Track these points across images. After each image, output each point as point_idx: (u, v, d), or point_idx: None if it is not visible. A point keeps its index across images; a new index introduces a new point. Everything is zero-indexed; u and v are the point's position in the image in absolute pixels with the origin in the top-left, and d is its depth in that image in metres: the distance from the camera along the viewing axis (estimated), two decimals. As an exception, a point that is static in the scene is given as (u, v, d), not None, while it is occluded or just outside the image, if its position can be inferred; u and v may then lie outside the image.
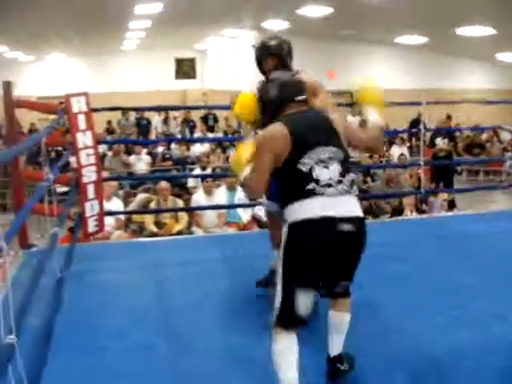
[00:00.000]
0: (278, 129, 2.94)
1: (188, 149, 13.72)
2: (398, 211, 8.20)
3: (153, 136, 18.10)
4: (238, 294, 4.39)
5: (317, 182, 2.81)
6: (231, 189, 8.39)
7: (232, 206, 8.11)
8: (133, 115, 18.50)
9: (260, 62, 4.16)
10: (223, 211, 8.19)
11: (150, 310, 4.12)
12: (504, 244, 5.60)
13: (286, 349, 2.82)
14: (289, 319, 2.83)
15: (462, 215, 7.43)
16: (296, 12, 14.88)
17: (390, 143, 15.54)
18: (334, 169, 2.85)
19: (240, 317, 3.95)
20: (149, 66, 25.66)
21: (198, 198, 8.36)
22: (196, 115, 19.05)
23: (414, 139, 15.26)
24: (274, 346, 2.84)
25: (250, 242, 5.94)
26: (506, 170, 15.43)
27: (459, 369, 3.29)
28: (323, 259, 2.80)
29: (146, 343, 3.61)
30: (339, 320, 3.07)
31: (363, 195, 8.56)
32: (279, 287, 2.86)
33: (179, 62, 27.65)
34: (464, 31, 15.86)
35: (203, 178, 8.92)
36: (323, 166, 2.84)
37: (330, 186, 2.81)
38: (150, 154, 12.91)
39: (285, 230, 2.87)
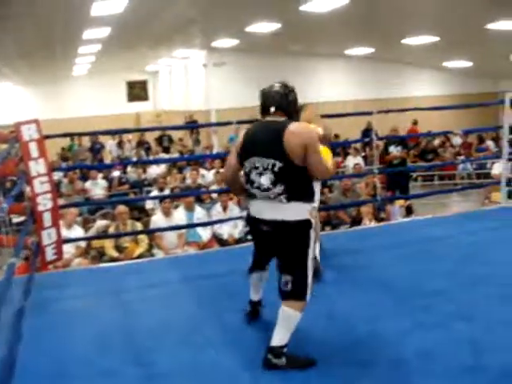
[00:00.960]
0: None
1: (144, 171, 13.65)
2: (357, 220, 8.26)
3: (108, 160, 17.96)
4: (202, 313, 4.37)
5: (252, 184, 3.45)
6: (189, 209, 8.37)
7: (191, 226, 8.09)
8: (87, 140, 18.35)
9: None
10: (183, 231, 8.16)
11: (113, 335, 4.07)
12: (462, 245, 5.71)
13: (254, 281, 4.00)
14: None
15: (419, 220, 7.52)
16: (245, 30, 14.97)
17: (345, 153, 15.72)
18: (266, 178, 3.38)
19: (205, 336, 3.93)
20: (101, 90, 25.48)
21: (157, 219, 8.32)
22: (150, 137, 18.99)
23: (367, 149, 15.46)
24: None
25: (211, 261, 5.94)
26: (459, 173, 15.73)
27: (427, 372, 3.33)
28: (257, 243, 3.79)
29: (111, 370, 3.57)
30: (285, 314, 3.43)
31: (321, 206, 8.62)
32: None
33: (131, 85, 27.52)
34: (410, 41, 16.19)
35: (161, 199, 8.86)
36: (257, 173, 3.42)
37: (260, 190, 3.42)
38: (105, 178, 12.79)
39: None
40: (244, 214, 8.02)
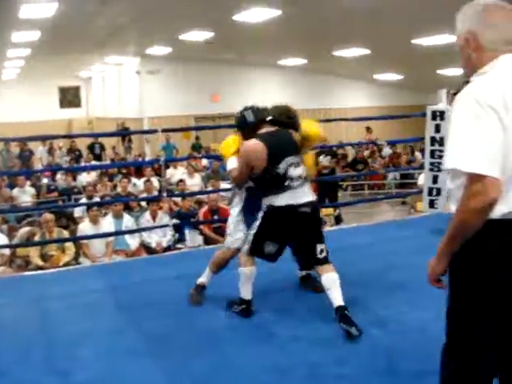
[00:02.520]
0: (258, 145, 4.06)
1: (74, 179, 13.43)
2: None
3: (38, 167, 17.57)
4: (125, 322, 4.33)
5: (291, 179, 4.04)
6: (118, 216, 8.30)
7: (119, 233, 8.02)
8: (16, 146, 17.93)
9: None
10: (111, 239, 8.08)
11: (32, 345, 3.99)
12: (384, 254, 5.84)
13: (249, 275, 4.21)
14: (258, 254, 4.20)
15: (346, 228, 7.66)
16: (178, 37, 14.97)
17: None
18: (301, 169, 4.10)
19: (126, 345, 3.91)
20: (31, 95, 24.92)
21: (84, 227, 8.21)
22: (82, 144, 18.72)
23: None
24: (242, 268, 4.21)
25: (138, 269, 5.91)
26: (388, 183, 16.09)
27: (341, 376, 3.39)
28: (288, 229, 4.09)
29: (29, 380, 3.50)
30: (331, 279, 4.00)
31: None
32: (251, 237, 4.18)
33: (63, 91, 27.09)
34: (341, 53, 16.51)
35: (89, 207, 8.75)
36: (294, 168, 4.07)
37: (297, 180, 4.06)
38: (34, 185, 12.52)
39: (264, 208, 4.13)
40: (172, 221, 8.09)
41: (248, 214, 4.44)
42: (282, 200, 4.05)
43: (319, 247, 4.08)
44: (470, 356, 2.20)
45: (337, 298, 3.95)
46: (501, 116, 1.97)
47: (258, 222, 4.18)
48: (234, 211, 4.59)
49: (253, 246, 4.19)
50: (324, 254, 4.10)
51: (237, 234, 4.49)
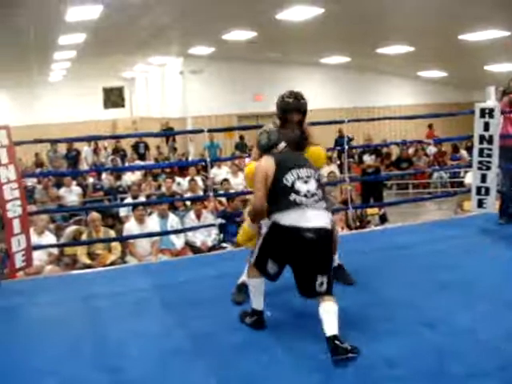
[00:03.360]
0: (267, 160, 3.99)
1: (119, 178, 13.58)
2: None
3: (83, 167, 17.80)
4: (172, 321, 4.36)
5: (297, 193, 3.80)
6: (163, 216, 8.36)
7: (164, 233, 8.08)
8: (62, 146, 18.19)
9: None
10: (156, 239, 8.15)
11: (82, 342, 4.04)
12: (429, 253, 5.76)
13: (259, 286, 4.05)
14: (260, 269, 3.99)
15: (391, 228, 7.58)
16: (221, 37, 15.01)
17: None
18: (312, 185, 3.84)
19: (174, 343, 3.93)
20: (77, 96, 25.31)
21: (130, 226, 8.29)
22: (126, 144, 18.92)
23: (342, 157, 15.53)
24: (251, 280, 4.07)
25: (184, 268, 5.93)
26: (433, 181, 15.88)
27: (394, 378, 3.37)
28: (288, 252, 3.83)
29: (81, 377, 3.55)
30: (328, 309, 3.68)
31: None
32: (257, 249, 4.01)
33: (107, 92, 27.44)
34: (385, 50, 16.35)
35: (134, 206, 8.83)
36: (303, 181, 3.84)
37: (306, 196, 3.80)
38: (80, 185, 12.70)
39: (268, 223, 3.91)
40: (217, 221, 8.11)
41: None
42: (287, 219, 3.78)
43: (320, 279, 3.73)
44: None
45: (329, 327, 3.61)
46: None
47: (261, 238, 4.01)
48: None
49: (257, 260, 4.01)
50: (324, 288, 3.74)
51: None
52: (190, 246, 8.61)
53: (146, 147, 18.89)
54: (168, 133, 17.62)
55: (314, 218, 3.78)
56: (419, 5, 10.53)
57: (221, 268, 5.67)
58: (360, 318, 4.20)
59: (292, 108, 4.44)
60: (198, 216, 8.77)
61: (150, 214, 8.90)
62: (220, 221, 8.41)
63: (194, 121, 18.99)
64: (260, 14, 12.16)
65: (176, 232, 8.16)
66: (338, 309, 3.68)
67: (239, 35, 14.80)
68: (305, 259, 3.77)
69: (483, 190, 6.78)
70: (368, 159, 10.86)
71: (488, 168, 6.67)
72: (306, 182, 3.85)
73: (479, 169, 6.72)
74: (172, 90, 21.59)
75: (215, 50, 17.67)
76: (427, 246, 6.00)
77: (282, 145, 4.14)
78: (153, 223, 8.36)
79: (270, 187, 3.91)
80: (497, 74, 16.87)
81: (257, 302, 4.08)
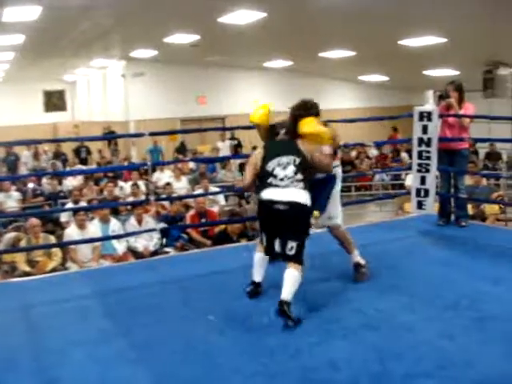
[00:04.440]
0: (259, 152, 4.79)
1: (60, 183, 13.33)
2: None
3: (23, 172, 17.40)
4: (113, 328, 4.30)
5: (275, 177, 4.50)
6: (104, 221, 8.25)
7: (106, 238, 7.97)
8: (1, 151, 17.76)
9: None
10: (97, 244, 8.03)
11: (19, 351, 3.94)
12: (372, 255, 5.83)
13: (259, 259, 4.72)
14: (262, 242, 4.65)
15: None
16: (163, 40, 14.91)
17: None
18: (290, 170, 4.48)
19: (115, 351, 3.87)
20: (16, 99, 24.72)
21: (71, 232, 8.15)
22: (68, 148, 18.60)
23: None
24: (255, 253, 4.73)
25: (125, 274, 5.86)
26: (375, 184, 16.11)
27: (334, 381, 3.39)
28: (268, 221, 4.54)
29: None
30: (289, 274, 4.29)
31: (236, 219, 8.65)
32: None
33: (48, 95, 26.91)
34: (327, 54, 16.52)
35: (75, 211, 8.68)
36: (283, 168, 4.51)
37: (282, 180, 4.46)
38: (19, 190, 12.42)
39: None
40: (159, 225, 8.05)
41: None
42: (264, 194, 4.51)
43: (290, 244, 4.37)
44: None
45: (284, 292, 4.18)
46: None
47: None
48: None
49: (260, 236, 4.72)
50: (293, 252, 4.36)
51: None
52: (131, 251, 8.53)
53: (88, 151, 18.63)
54: (110, 136, 17.44)
55: (288, 194, 4.42)
56: (360, 10, 10.65)
57: (163, 273, 5.64)
58: (304, 320, 4.22)
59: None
60: (139, 221, 8.69)
61: (92, 219, 8.76)
62: (162, 225, 8.35)
63: (136, 125, 18.81)
64: (202, 18, 12.11)
65: (117, 237, 8.05)
66: (299, 277, 4.29)
67: (182, 38, 14.71)
68: (278, 226, 4.44)
69: (422, 192, 6.92)
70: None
71: (427, 170, 6.81)
72: (284, 167, 4.51)
73: (418, 171, 6.86)
74: (114, 93, 21.35)
75: (158, 53, 17.54)
76: (369, 247, 6.05)
77: (281, 132, 4.89)
78: (94, 228, 8.24)
79: (259, 172, 4.64)
80: (435, 78, 17.27)
81: (256, 274, 4.75)
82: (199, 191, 10.86)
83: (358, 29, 12.61)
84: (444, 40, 13.21)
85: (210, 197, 10.81)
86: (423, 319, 4.19)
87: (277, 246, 4.47)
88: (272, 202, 4.45)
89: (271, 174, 4.53)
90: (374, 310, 4.37)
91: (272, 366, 3.57)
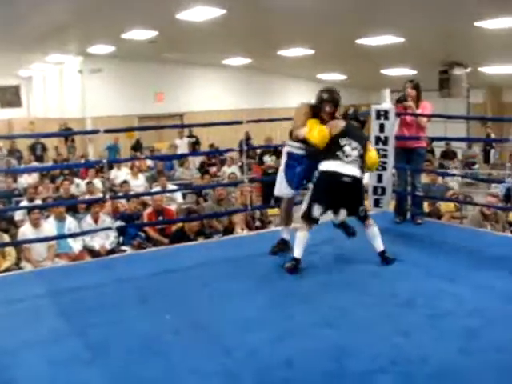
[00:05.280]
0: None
1: (15, 181, 13.08)
2: (229, 230, 8.31)
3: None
4: (68, 328, 4.22)
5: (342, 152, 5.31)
6: (60, 219, 8.12)
7: (61, 237, 7.84)
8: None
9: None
10: (53, 243, 7.91)
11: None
12: (330, 252, 5.87)
13: (303, 238, 5.23)
14: (307, 218, 5.33)
15: (292, 228, 7.64)
16: (121, 36, 14.74)
17: (222, 163, 15.78)
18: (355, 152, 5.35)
19: (70, 352, 3.80)
20: (-31, 95, 24.20)
21: (25, 230, 8.00)
22: (23, 145, 18.29)
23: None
24: (298, 232, 5.26)
25: (81, 273, 5.77)
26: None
27: (289, 379, 3.39)
28: (333, 193, 5.32)
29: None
30: (371, 232, 5.44)
31: (193, 216, 8.58)
32: (305, 202, 5.47)
33: (2, 90, 26.33)
34: (285, 52, 16.56)
35: (30, 210, 8.52)
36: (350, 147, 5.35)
37: (348, 156, 5.30)
38: (-28, 188, 12.15)
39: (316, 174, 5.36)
40: (115, 224, 7.95)
41: None
42: (330, 166, 5.34)
43: (361, 208, 5.45)
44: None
45: (377, 245, 5.43)
46: None
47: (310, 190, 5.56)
48: None
49: (304, 212, 5.43)
50: (364, 213, 5.48)
51: None
52: (88, 250, 8.42)
53: (44, 148, 18.34)
54: (65, 133, 17.19)
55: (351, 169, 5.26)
56: (318, 9, 10.70)
57: (120, 272, 5.58)
58: (259, 317, 4.22)
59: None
60: (96, 219, 8.58)
61: (47, 217, 8.62)
62: (118, 223, 8.26)
63: (93, 121, 18.56)
64: (161, 14, 12.01)
65: (73, 236, 7.94)
66: (377, 228, 5.42)
67: (140, 34, 14.56)
68: (337, 201, 5.39)
69: (379, 190, 6.98)
70: (268, 160, 10.96)
71: (384, 168, 6.86)
72: (353, 149, 5.35)
73: (376, 169, 6.90)
74: (71, 89, 21.03)
75: (116, 49, 17.34)
76: (328, 244, 6.10)
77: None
78: (49, 227, 8.11)
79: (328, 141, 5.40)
80: (392, 77, 17.47)
81: (298, 252, 5.21)
82: (157, 189, 10.79)
83: (316, 28, 12.67)
84: (401, 40, 13.38)
85: (168, 195, 10.74)
86: (379, 316, 4.22)
87: (342, 215, 5.44)
88: (340, 175, 5.23)
89: (341, 149, 5.31)
90: (329, 308, 4.39)
91: (229, 365, 3.56)
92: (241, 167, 15.12)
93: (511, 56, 14.19)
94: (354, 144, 5.36)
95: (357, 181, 5.31)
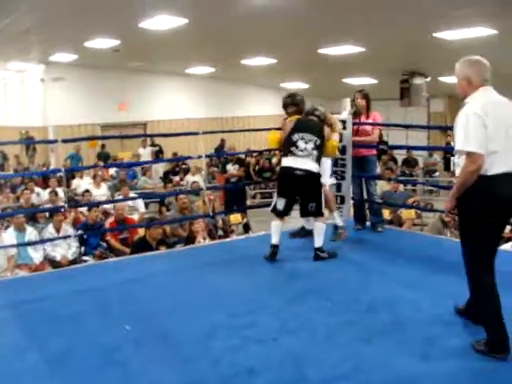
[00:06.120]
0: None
1: (-26, 190, 12.89)
2: (190, 239, 8.28)
3: None
4: (27, 340, 4.16)
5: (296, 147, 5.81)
6: (20, 229, 8.01)
7: (21, 245, 7.75)
8: None
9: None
10: (12, 253, 7.80)
11: None
12: (290, 260, 5.91)
13: (276, 227, 5.93)
14: (274, 211, 5.99)
15: (254, 237, 7.68)
16: (83, 45, 14.64)
17: (186, 171, 15.74)
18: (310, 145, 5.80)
19: (29, 365, 3.76)
20: None
21: (-16, 241, 7.88)
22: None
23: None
24: (272, 222, 5.96)
25: (42, 284, 5.71)
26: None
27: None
28: (289, 186, 5.88)
29: None
30: (316, 227, 5.87)
31: (155, 222, 8.52)
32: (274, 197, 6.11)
33: (-38, 98, 25.90)
34: (249, 62, 16.63)
35: (-11, 219, 8.42)
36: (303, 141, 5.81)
37: (302, 151, 5.77)
38: None
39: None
40: (76, 233, 7.89)
41: None
42: (289, 162, 5.86)
43: (310, 204, 5.83)
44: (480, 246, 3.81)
45: (316, 241, 5.82)
46: (484, 120, 3.59)
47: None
48: None
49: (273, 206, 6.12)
50: (314, 209, 5.81)
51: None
52: (49, 260, 8.32)
53: (4, 157, 18.10)
54: (24, 142, 16.99)
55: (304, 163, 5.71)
56: (280, 19, 10.78)
57: (82, 282, 5.53)
58: (221, 325, 4.23)
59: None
60: (58, 229, 8.49)
61: (7, 227, 8.50)
62: (80, 233, 8.20)
63: (55, 130, 18.36)
64: (124, 22, 11.97)
65: (33, 244, 7.85)
66: (324, 226, 5.86)
67: (102, 43, 14.48)
68: (294, 194, 5.89)
69: (339, 199, 7.05)
70: (231, 168, 10.98)
71: (342, 178, 6.94)
72: (306, 142, 5.80)
73: (335, 178, 6.97)
74: (33, 98, 20.77)
75: (78, 57, 17.20)
76: (286, 252, 6.13)
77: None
78: (9, 237, 7.99)
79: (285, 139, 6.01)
80: (354, 86, 17.63)
81: (274, 238, 5.88)
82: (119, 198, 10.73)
83: (279, 37, 12.78)
84: (362, 49, 13.55)
85: (130, 204, 10.69)
86: (340, 323, 4.26)
87: (300, 206, 5.91)
88: (292, 169, 5.69)
89: (294, 144, 5.77)
90: (291, 315, 4.41)
91: (190, 375, 3.55)
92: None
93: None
94: (308, 137, 5.81)
95: (311, 174, 5.71)
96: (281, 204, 5.91)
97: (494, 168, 3.63)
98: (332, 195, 6.68)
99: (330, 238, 6.44)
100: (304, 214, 5.96)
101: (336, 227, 6.66)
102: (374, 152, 7.28)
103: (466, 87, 3.84)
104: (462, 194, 3.77)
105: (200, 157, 7.66)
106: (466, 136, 3.63)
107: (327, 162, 6.48)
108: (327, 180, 6.48)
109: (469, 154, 3.60)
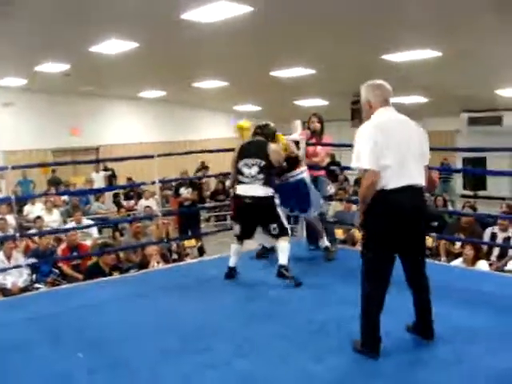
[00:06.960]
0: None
1: None
2: (144, 263, 8.22)
3: None
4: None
5: (242, 174, 5.84)
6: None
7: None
8: None
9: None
10: (-39, 283, 7.62)
11: None
12: (246, 282, 5.92)
13: (234, 250, 6.05)
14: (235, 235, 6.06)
15: (209, 260, 7.66)
16: (33, 69, 14.48)
17: (139, 196, 15.64)
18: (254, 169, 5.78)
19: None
20: None
21: None
22: None
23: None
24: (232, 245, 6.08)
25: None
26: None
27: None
28: (243, 214, 5.96)
29: None
30: (279, 245, 5.82)
31: (107, 250, 8.46)
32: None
33: None
34: (200, 84, 16.68)
35: None
36: (247, 167, 5.81)
37: (247, 177, 5.79)
38: None
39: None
40: (28, 261, 7.75)
41: None
42: (240, 189, 5.87)
43: (271, 227, 5.82)
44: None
45: (280, 259, 5.75)
46: (376, 136, 3.79)
47: None
48: None
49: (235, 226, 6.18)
50: (277, 231, 5.80)
51: None
52: (-1, 288, 8.16)
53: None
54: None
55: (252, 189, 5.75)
56: (230, 42, 10.85)
57: (33, 310, 5.44)
58: (176, 350, 4.21)
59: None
60: (9, 257, 8.34)
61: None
62: (31, 261, 8.06)
63: (5, 156, 18.05)
64: (74, 47, 11.88)
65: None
66: (288, 246, 5.78)
67: (52, 67, 14.33)
68: (250, 222, 5.98)
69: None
70: (184, 192, 10.96)
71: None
72: (249, 167, 5.80)
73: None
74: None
75: (28, 81, 16.99)
76: (245, 274, 6.15)
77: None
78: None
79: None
80: (305, 108, 17.84)
81: (231, 261, 6.05)
82: (72, 224, 10.60)
83: (230, 60, 12.85)
84: (313, 71, 13.73)
85: (83, 229, 10.57)
86: (294, 344, 4.28)
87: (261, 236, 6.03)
88: (242, 197, 5.78)
89: (240, 172, 5.82)
90: (244, 339, 4.41)
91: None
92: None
93: (415, 88, 14.79)
94: (251, 161, 5.82)
95: (259, 200, 5.76)
96: (237, 229, 6.02)
97: (392, 182, 3.80)
98: (317, 220, 6.78)
99: (324, 261, 6.71)
100: (270, 235, 5.92)
101: (326, 248, 6.81)
102: (323, 173, 7.35)
103: (369, 110, 4.06)
104: (366, 209, 3.93)
105: (154, 182, 7.66)
106: (357, 153, 3.82)
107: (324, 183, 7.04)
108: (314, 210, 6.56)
109: (365, 170, 3.78)
